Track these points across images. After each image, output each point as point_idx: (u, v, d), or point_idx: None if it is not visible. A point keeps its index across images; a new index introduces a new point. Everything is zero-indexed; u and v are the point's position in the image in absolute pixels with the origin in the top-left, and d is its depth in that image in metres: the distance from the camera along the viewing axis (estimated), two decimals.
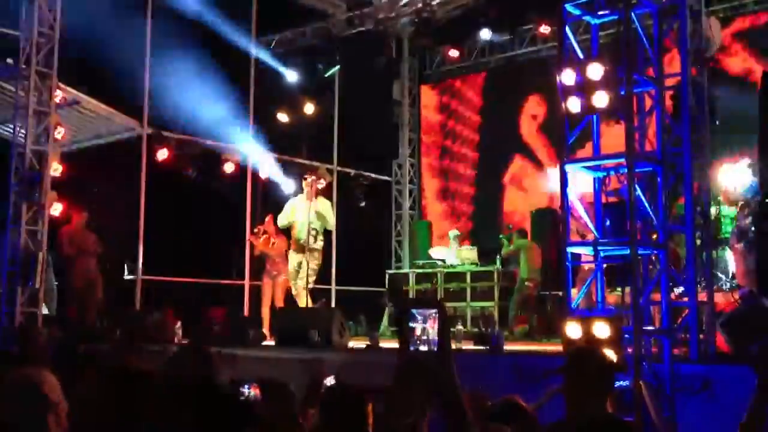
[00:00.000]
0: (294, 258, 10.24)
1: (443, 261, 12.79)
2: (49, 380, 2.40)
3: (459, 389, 1.73)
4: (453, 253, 12.72)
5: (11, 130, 10.71)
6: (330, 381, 2.71)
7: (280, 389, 2.34)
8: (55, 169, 10.70)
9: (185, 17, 12.16)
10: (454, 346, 8.24)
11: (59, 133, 10.79)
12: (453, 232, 13.19)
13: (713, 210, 8.95)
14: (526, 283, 11.47)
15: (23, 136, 10.40)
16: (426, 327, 1.74)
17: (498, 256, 12.17)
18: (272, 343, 9.40)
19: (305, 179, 10.26)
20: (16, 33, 10.55)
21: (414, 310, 1.74)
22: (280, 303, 10.66)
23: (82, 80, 11.49)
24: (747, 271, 7.97)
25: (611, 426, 3.27)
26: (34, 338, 5.27)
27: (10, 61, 10.66)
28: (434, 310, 1.72)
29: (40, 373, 2.44)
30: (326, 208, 10.29)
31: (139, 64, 11.90)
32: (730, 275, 9.03)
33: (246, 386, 3.16)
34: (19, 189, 10.35)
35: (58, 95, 10.85)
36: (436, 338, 1.72)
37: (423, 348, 1.73)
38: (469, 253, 12.74)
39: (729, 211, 9.26)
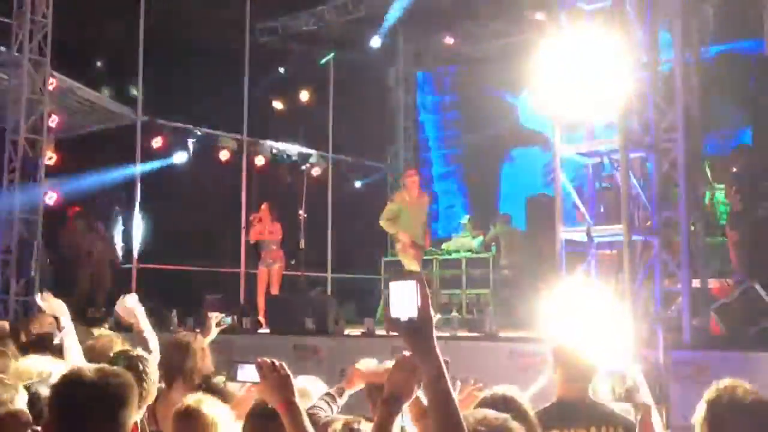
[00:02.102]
0: (410, 257, 9.46)
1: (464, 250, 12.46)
2: None
3: (440, 358, 1.81)
4: (468, 240, 12.55)
5: (4, 119, 10.68)
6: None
7: (276, 369, 2.38)
8: (50, 157, 10.68)
9: (180, 3, 12.12)
10: (449, 333, 8.28)
11: (53, 121, 10.77)
12: (464, 218, 13.11)
13: (707, 196, 8.98)
14: (503, 271, 11.44)
15: (17, 124, 10.38)
16: (406, 298, 1.84)
17: (493, 244, 12.16)
18: (267, 330, 9.43)
19: (408, 177, 9.95)
20: (9, 21, 10.51)
21: (393, 283, 1.84)
22: (275, 291, 10.68)
23: (76, 68, 11.44)
24: (741, 257, 7.99)
25: (598, 410, 3.31)
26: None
27: (3, 49, 10.62)
28: (414, 281, 1.82)
29: None
30: (428, 201, 10.30)
31: (132, 52, 11.85)
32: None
33: (243, 367, 3.19)
34: (13, 177, 10.34)
35: (52, 83, 10.82)
36: (416, 307, 1.81)
37: (404, 318, 1.82)
38: (466, 240, 12.71)
39: (722, 195, 9.25)
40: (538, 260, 11.79)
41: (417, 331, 1.83)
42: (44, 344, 4.29)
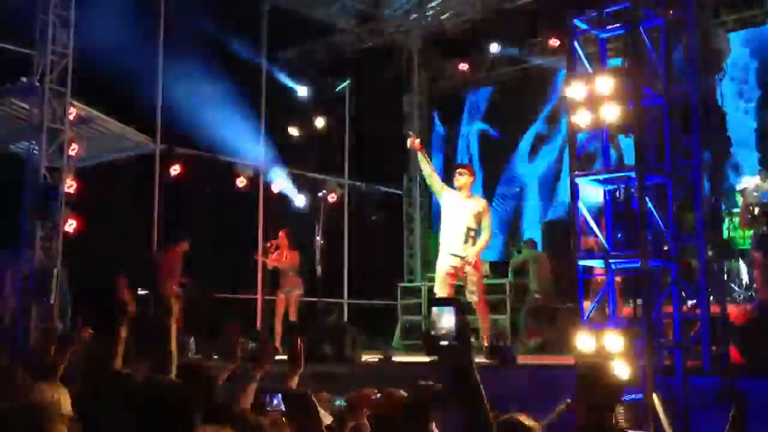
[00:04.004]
0: (445, 263, 8.29)
1: None
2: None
3: (477, 377, 1.92)
4: None
5: (25, 148, 10.83)
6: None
7: (302, 398, 2.41)
8: (69, 185, 10.79)
9: (197, 34, 12.30)
10: None
11: (73, 149, 10.89)
12: None
13: (726, 221, 8.95)
14: (534, 294, 11.42)
15: (37, 153, 10.51)
16: (445, 322, 1.95)
17: (510, 269, 12.13)
18: (284, 357, 9.42)
19: (458, 174, 8.41)
20: (30, 51, 10.68)
21: (434, 308, 1.97)
22: (293, 317, 10.69)
23: (96, 97, 11.60)
24: (766, 279, 7.93)
25: None
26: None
27: (24, 79, 10.78)
28: (451, 307, 1.92)
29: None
30: (482, 209, 8.34)
31: (151, 81, 12.02)
32: (744, 286, 9.01)
33: (272, 397, 3.21)
34: (33, 206, 10.44)
35: (72, 112, 10.96)
36: (455, 331, 1.94)
37: (444, 342, 1.95)
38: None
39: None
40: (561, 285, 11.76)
41: (456, 354, 1.93)
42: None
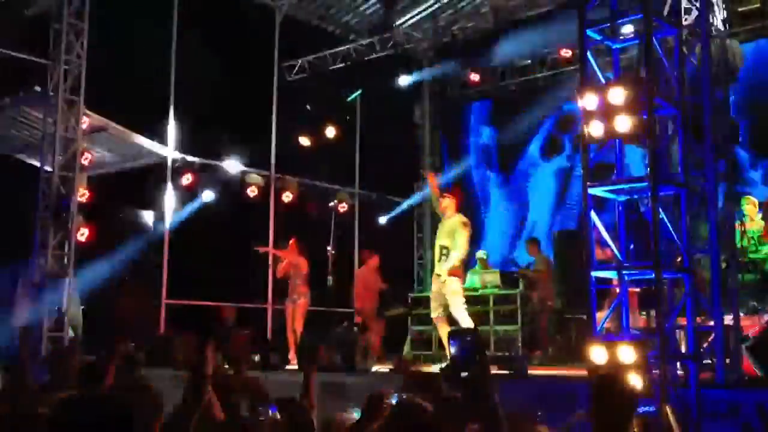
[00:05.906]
0: (433, 283, 8.84)
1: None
2: None
3: (497, 404, 1.94)
4: (477, 276, 12.48)
5: (39, 157, 10.89)
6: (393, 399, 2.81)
7: (291, 404, 2.41)
8: (82, 194, 10.84)
9: (210, 44, 12.36)
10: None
11: (86, 158, 10.95)
12: (480, 254, 13.03)
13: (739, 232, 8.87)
14: (545, 304, 11.35)
15: (50, 162, 10.57)
16: (464, 351, 1.99)
17: (519, 278, 12.06)
18: (295, 366, 9.42)
19: (442, 198, 8.86)
20: (44, 61, 10.75)
21: (453, 338, 1.99)
22: (298, 327, 10.67)
23: (109, 106, 11.66)
24: None
25: None
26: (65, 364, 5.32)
27: (38, 88, 10.85)
28: (470, 337, 1.97)
29: None
30: (454, 227, 8.60)
31: (164, 90, 12.07)
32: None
33: (267, 408, 3.20)
34: (46, 215, 10.50)
35: (85, 122, 11.02)
36: (474, 360, 1.95)
37: (464, 374, 1.97)
38: (492, 276, 12.61)
39: (756, 230, 9.16)
40: (566, 294, 11.69)
41: (478, 384, 2.02)
42: None
